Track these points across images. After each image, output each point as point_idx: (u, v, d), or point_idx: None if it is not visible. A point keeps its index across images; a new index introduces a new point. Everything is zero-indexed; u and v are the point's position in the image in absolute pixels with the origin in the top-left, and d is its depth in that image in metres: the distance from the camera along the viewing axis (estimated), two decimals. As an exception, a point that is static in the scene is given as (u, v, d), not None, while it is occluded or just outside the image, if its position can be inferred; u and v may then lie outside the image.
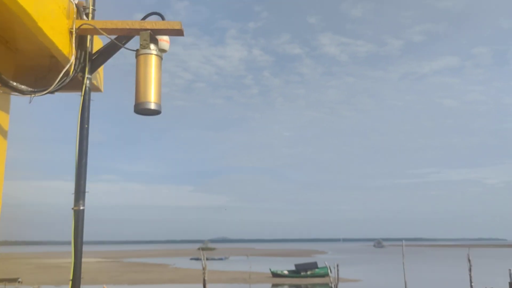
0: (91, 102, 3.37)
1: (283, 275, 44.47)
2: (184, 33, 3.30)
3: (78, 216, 3.13)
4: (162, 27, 3.25)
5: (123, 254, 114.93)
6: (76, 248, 3.10)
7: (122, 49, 3.42)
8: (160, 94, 3.29)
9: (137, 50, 3.30)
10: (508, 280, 20.55)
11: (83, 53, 3.30)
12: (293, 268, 46.28)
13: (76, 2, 3.32)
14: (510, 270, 20.51)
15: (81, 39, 3.30)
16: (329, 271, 29.10)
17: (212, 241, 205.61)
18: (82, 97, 3.28)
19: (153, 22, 3.28)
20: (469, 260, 23.97)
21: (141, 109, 3.23)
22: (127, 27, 3.25)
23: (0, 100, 3.10)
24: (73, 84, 3.37)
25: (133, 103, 3.26)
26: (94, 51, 3.46)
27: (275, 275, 44.28)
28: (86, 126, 3.26)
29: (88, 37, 3.38)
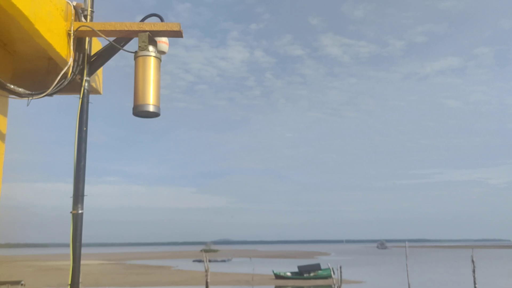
0: (90, 104, 3.35)
1: (286, 277, 44.35)
2: (184, 35, 3.28)
3: (77, 220, 3.10)
4: (161, 28, 3.23)
5: (126, 256, 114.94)
6: (74, 252, 3.07)
7: (123, 51, 3.40)
8: (159, 97, 3.25)
9: (135, 52, 3.27)
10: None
11: (81, 55, 3.28)
12: (296, 270, 46.14)
13: (74, 4, 3.29)
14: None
15: (79, 41, 3.27)
16: (332, 272, 29.03)
17: (215, 242, 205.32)
18: (81, 99, 3.26)
19: (152, 24, 3.25)
20: (472, 261, 23.81)
21: (139, 112, 3.20)
22: (126, 28, 3.22)
23: (-3, 103, 3.07)
24: (72, 86, 3.35)
25: (132, 106, 3.23)
26: (93, 53, 3.44)
27: (278, 277, 44.15)
28: (85, 128, 3.24)
29: (87, 39, 3.35)
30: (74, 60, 3.21)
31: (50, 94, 3.17)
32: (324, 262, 41.72)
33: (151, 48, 3.24)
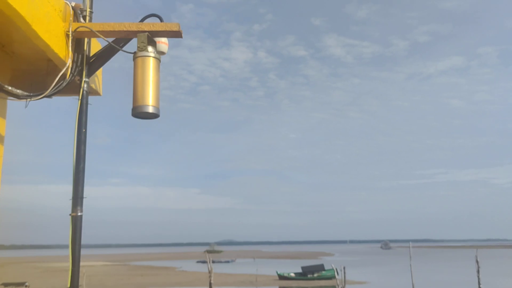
0: (90, 106, 3.32)
1: (290, 277, 44.27)
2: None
3: (76, 223, 3.07)
4: (160, 29, 3.19)
5: (130, 257, 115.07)
6: (74, 254, 3.03)
7: (123, 52, 3.37)
8: (158, 97, 3.22)
9: (134, 53, 3.23)
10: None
11: (80, 56, 3.24)
12: (300, 270, 46.07)
13: (73, 5, 3.27)
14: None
15: (78, 42, 3.24)
16: (336, 273, 28.97)
17: (219, 243, 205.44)
18: (80, 101, 3.23)
19: (151, 24, 3.22)
20: (477, 261, 23.72)
21: (138, 113, 3.16)
22: (124, 29, 3.19)
23: (-4, 105, 3.06)
24: (72, 88, 3.32)
25: (131, 107, 3.20)
26: (92, 54, 3.41)
27: (281, 277, 44.07)
28: (84, 130, 3.21)
29: (86, 40, 3.32)
30: (72, 61, 3.17)
31: (49, 96, 3.14)
32: (328, 263, 41.63)
33: (150, 48, 3.20)
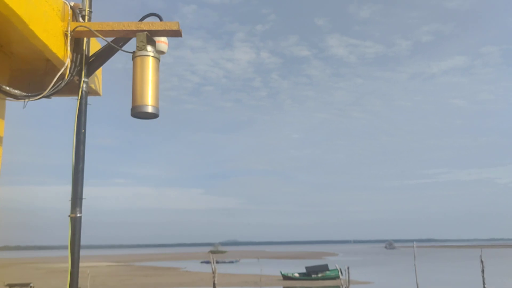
0: (90, 106, 3.29)
1: (294, 277, 44.24)
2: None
3: (75, 224, 3.04)
4: (159, 28, 3.16)
5: (134, 258, 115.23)
6: (73, 256, 3.00)
7: (123, 52, 3.34)
8: (157, 97, 3.18)
9: (133, 52, 3.20)
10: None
11: (79, 56, 3.21)
12: (304, 270, 46.04)
13: (72, 4, 3.24)
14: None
15: (76, 42, 3.21)
16: (340, 273, 28.90)
17: (223, 244, 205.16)
18: (79, 101, 3.20)
19: (150, 23, 3.18)
20: (481, 261, 23.60)
21: (138, 113, 3.13)
22: (123, 28, 3.15)
23: (-6, 105, 3.03)
24: (71, 88, 3.29)
25: (130, 107, 3.17)
26: (91, 54, 3.38)
27: (285, 277, 44.05)
28: (83, 130, 3.18)
29: (85, 39, 3.29)
30: (71, 61, 3.14)
31: (47, 96, 3.11)
32: (332, 263, 41.55)
33: (149, 48, 3.17)
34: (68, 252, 2.99)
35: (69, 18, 3.16)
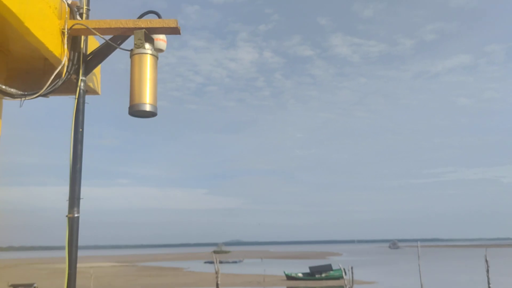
0: (88, 105, 3.25)
1: (297, 278, 44.16)
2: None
3: (73, 224, 3.00)
4: (158, 25, 3.11)
5: (138, 258, 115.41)
6: (70, 257, 2.96)
7: (122, 51, 3.29)
8: (155, 95, 3.14)
9: (131, 50, 3.15)
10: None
11: (76, 54, 3.17)
12: (308, 270, 45.95)
13: (69, 2, 3.20)
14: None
15: (74, 40, 3.17)
16: (343, 273, 28.84)
17: (226, 243, 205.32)
18: (76, 99, 3.15)
19: (148, 21, 3.14)
20: (486, 261, 23.48)
21: (135, 111, 3.08)
22: (121, 26, 3.11)
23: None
24: (70, 87, 3.25)
25: (128, 105, 3.12)
26: (89, 52, 3.34)
27: (289, 277, 43.97)
28: (81, 129, 3.13)
29: (82, 38, 3.25)
30: (68, 59, 3.10)
31: (44, 95, 3.07)
32: (336, 263, 41.45)
33: (147, 45, 3.12)
34: (65, 253, 2.95)
35: (66, 16, 3.12)
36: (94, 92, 3.66)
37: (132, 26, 3.10)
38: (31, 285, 32.97)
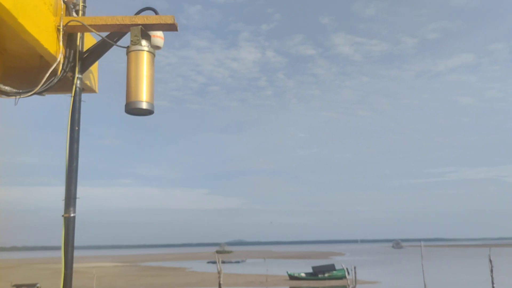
0: (84, 103, 3.20)
1: (300, 277, 44.11)
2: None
3: (69, 224, 2.96)
4: (154, 22, 3.07)
5: (140, 258, 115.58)
6: (66, 257, 2.91)
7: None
8: (152, 93, 3.09)
9: (127, 47, 3.11)
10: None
11: (72, 51, 3.12)
12: (310, 270, 45.91)
13: (65, -1, 3.15)
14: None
15: (70, 37, 3.13)
16: (346, 273, 28.77)
17: (229, 243, 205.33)
18: (72, 97, 3.11)
19: (145, 17, 3.09)
20: (490, 261, 23.37)
21: (132, 109, 3.04)
22: (117, 22, 3.07)
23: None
24: (67, 85, 3.21)
25: (124, 103, 3.08)
26: (85, 49, 3.29)
27: (292, 277, 43.93)
28: (77, 128, 3.09)
29: (79, 35, 3.21)
30: (64, 57, 3.05)
31: (40, 93, 3.03)
32: (339, 263, 41.38)
33: (144, 42, 3.08)
34: (61, 253, 2.91)
35: (62, 12, 3.07)
36: (91, 90, 3.62)
37: (129, 23, 3.06)
38: (34, 285, 33.03)
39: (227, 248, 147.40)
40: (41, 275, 49.99)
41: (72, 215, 2.96)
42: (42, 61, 3.24)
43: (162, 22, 3.06)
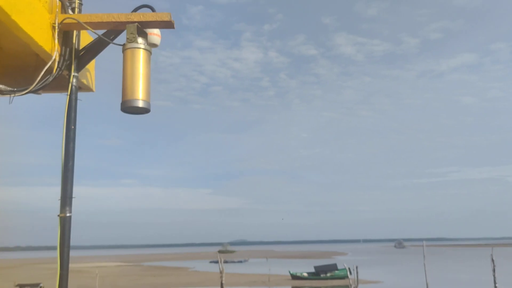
0: (80, 102, 3.17)
1: (302, 277, 44.07)
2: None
3: (65, 224, 2.93)
4: (151, 19, 3.04)
5: (143, 258, 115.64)
6: (62, 257, 2.88)
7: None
8: (149, 91, 3.06)
9: (123, 45, 3.08)
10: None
11: (68, 49, 3.09)
12: (313, 270, 45.85)
13: (61, -4, 3.12)
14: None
15: (65, 35, 3.09)
16: (348, 273, 28.73)
17: (232, 243, 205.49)
18: (68, 96, 3.08)
19: (141, 14, 3.06)
20: (492, 260, 23.27)
21: (128, 107, 3.01)
22: (113, 20, 3.04)
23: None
24: (63, 83, 3.18)
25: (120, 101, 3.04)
26: (82, 47, 3.26)
27: (294, 277, 43.89)
28: (73, 127, 3.06)
29: (75, 32, 3.18)
30: (60, 55, 3.02)
31: (35, 91, 3.00)
32: (341, 262, 41.31)
33: (140, 40, 3.05)
34: (57, 254, 2.88)
35: (57, 10, 3.04)
36: (88, 89, 3.58)
37: (125, 20, 3.03)
38: (37, 285, 33.01)
39: (230, 248, 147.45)
40: (44, 275, 50.04)
41: (68, 214, 2.93)
42: (38, 59, 3.20)
43: (158, 19, 3.02)
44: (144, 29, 3.09)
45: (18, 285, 32.68)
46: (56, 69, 3.00)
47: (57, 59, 3.00)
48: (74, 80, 3.12)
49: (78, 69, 3.16)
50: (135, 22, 3.00)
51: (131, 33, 2.98)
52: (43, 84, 2.96)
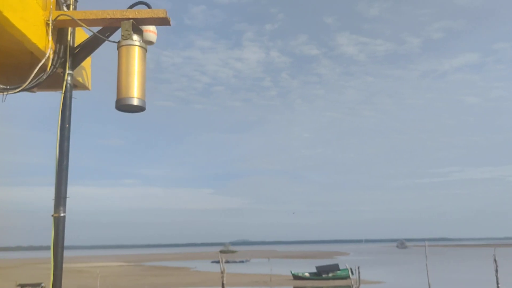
0: (75, 100, 3.12)
1: (304, 277, 44.03)
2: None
3: (59, 224, 2.88)
4: (146, 16, 2.99)
5: (144, 258, 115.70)
6: (56, 258, 2.84)
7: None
8: (144, 89, 3.01)
9: (118, 42, 3.03)
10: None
11: (62, 47, 3.04)
12: (315, 270, 45.81)
13: (56, -7, 3.07)
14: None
15: (60, 32, 3.05)
16: (350, 273, 28.65)
17: (233, 243, 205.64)
18: (63, 94, 3.03)
19: (136, 11, 3.01)
20: (495, 260, 23.19)
21: (122, 105, 2.96)
22: (108, 17, 2.99)
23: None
24: (59, 81, 3.13)
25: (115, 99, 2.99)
26: (77, 45, 3.21)
27: (296, 277, 43.86)
28: (67, 126, 3.01)
29: (70, 30, 3.13)
30: (54, 52, 2.97)
31: (29, 89, 2.96)
32: (343, 262, 41.24)
33: (135, 37, 3.00)
34: (51, 254, 2.83)
35: (52, 6, 2.99)
36: (83, 87, 3.53)
37: (120, 17, 2.98)
38: (39, 284, 33.06)
39: (232, 247, 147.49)
40: (45, 275, 49.84)
41: (62, 214, 2.88)
42: (33, 57, 3.16)
43: (154, 16, 2.98)
44: (140, 26, 3.04)
45: (19, 285, 32.72)
46: (50, 67, 2.96)
47: (51, 56, 2.95)
48: (69, 78, 3.07)
49: (72, 67, 3.11)
50: (130, 19, 2.96)
51: (126, 30, 2.93)
52: (37, 82, 2.92)
